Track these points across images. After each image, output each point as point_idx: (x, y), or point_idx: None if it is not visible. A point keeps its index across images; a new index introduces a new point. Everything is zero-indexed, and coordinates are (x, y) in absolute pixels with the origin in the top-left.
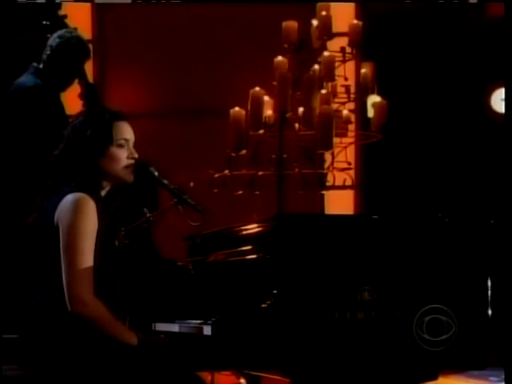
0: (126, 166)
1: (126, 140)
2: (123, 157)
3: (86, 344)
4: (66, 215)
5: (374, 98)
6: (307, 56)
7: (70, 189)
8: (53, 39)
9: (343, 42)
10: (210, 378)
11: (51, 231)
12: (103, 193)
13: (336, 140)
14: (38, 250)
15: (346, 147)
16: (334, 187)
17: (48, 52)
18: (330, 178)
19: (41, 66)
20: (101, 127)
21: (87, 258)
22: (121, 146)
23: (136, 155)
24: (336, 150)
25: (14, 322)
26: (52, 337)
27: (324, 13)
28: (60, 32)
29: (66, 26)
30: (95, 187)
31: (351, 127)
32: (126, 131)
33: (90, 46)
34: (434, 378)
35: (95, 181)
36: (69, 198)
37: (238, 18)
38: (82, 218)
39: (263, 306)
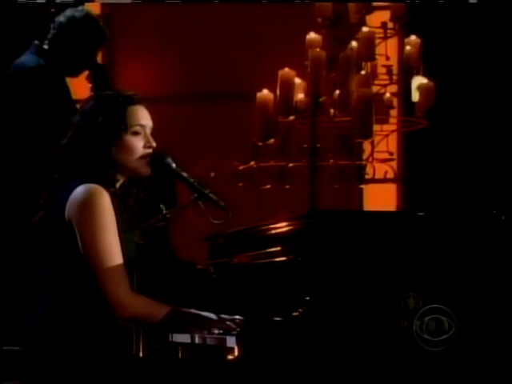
0: (142, 157)
1: (142, 126)
2: (139, 146)
3: (102, 357)
4: (81, 211)
5: (419, 80)
6: (343, 32)
7: (81, 181)
8: (63, 17)
9: (384, 16)
10: None
11: (62, 228)
12: (117, 186)
13: (376, 127)
14: (46, 251)
15: (387, 135)
16: (373, 180)
17: (55, 31)
18: (369, 170)
19: (45, 45)
20: (113, 112)
21: (116, 257)
22: (136, 133)
23: (154, 144)
24: (376, 139)
25: (15, 331)
26: (63, 348)
27: None
28: (72, 10)
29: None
30: (110, 180)
31: (393, 113)
32: (142, 117)
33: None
34: None
35: (109, 173)
36: (80, 190)
37: None
38: (100, 212)
39: (294, 314)
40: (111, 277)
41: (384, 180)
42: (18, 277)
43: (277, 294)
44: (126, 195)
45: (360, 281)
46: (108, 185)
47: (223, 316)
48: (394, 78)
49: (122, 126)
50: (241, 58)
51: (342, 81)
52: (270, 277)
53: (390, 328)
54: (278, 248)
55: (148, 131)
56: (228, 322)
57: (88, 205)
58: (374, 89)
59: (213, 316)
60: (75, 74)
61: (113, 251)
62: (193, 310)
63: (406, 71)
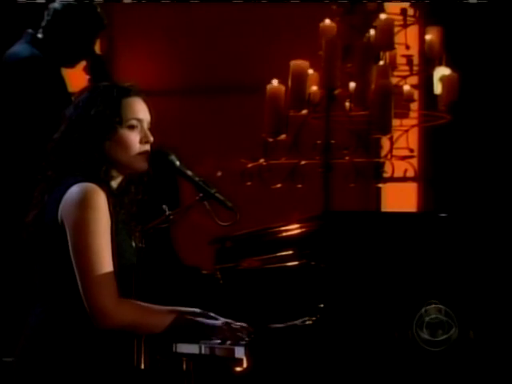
0: (139, 153)
1: (139, 120)
2: (135, 141)
3: (99, 368)
4: (73, 211)
5: (441, 71)
6: (360, 20)
7: (75, 179)
8: (57, 3)
9: (404, 2)
10: None
11: (55, 230)
12: (114, 184)
13: (395, 122)
14: (39, 254)
15: (407, 131)
16: (392, 179)
17: (49, 18)
18: (387, 167)
19: (39, 34)
20: (107, 104)
21: (104, 261)
22: (132, 127)
23: (151, 139)
24: (395, 135)
25: (10, 342)
26: (57, 360)
27: None
28: None
29: None
30: (104, 177)
31: (414, 106)
32: (139, 110)
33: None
34: None
35: (103, 170)
36: (74, 190)
37: None
38: (93, 213)
39: (307, 322)
40: (95, 282)
41: (404, 179)
42: (13, 283)
43: (288, 300)
44: (122, 194)
45: (377, 287)
46: (102, 182)
47: (218, 322)
48: (415, 68)
49: (117, 118)
50: (249, 47)
51: (358, 72)
52: (281, 282)
53: (410, 338)
54: (290, 252)
55: (145, 125)
56: (226, 330)
57: (82, 205)
58: (393, 80)
59: (217, 323)
60: (72, 64)
61: (100, 256)
62: (194, 317)
63: (428, 61)
